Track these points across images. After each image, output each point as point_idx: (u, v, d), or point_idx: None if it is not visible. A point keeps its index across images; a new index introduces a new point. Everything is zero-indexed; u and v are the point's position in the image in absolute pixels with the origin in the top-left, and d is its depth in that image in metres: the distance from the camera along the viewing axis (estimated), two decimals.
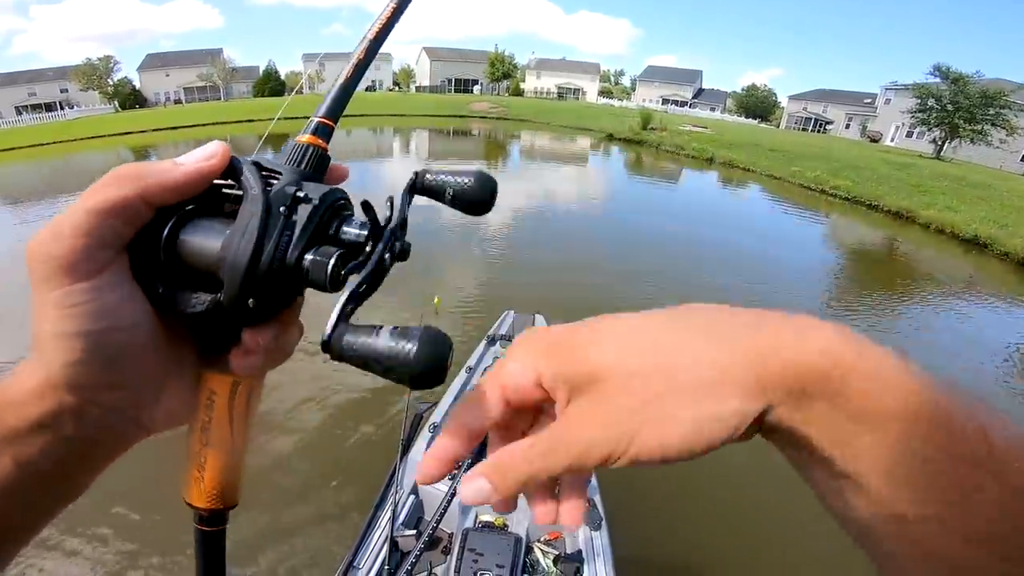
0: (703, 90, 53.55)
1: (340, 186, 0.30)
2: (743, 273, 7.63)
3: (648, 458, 0.23)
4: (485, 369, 2.85)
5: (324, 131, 0.30)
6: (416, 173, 0.32)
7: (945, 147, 25.15)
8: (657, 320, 0.25)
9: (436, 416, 2.45)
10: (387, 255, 0.28)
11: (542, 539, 1.93)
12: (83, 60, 40.60)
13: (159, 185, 0.25)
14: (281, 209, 0.26)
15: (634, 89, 57.15)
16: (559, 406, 0.25)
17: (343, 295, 0.26)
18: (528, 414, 0.29)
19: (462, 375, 2.79)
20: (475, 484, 0.26)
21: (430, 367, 0.24)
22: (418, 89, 52.17)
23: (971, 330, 6.69)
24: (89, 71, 39.67)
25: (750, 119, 48.39)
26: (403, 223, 0.30)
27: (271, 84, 42.28)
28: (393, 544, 1.70)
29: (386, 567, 1.63)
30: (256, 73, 45.64)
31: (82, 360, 0.24)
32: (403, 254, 0.30)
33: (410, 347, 0.23)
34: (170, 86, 44.84)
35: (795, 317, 0.23)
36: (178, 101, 43.60)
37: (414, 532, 1.81)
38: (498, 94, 47.69)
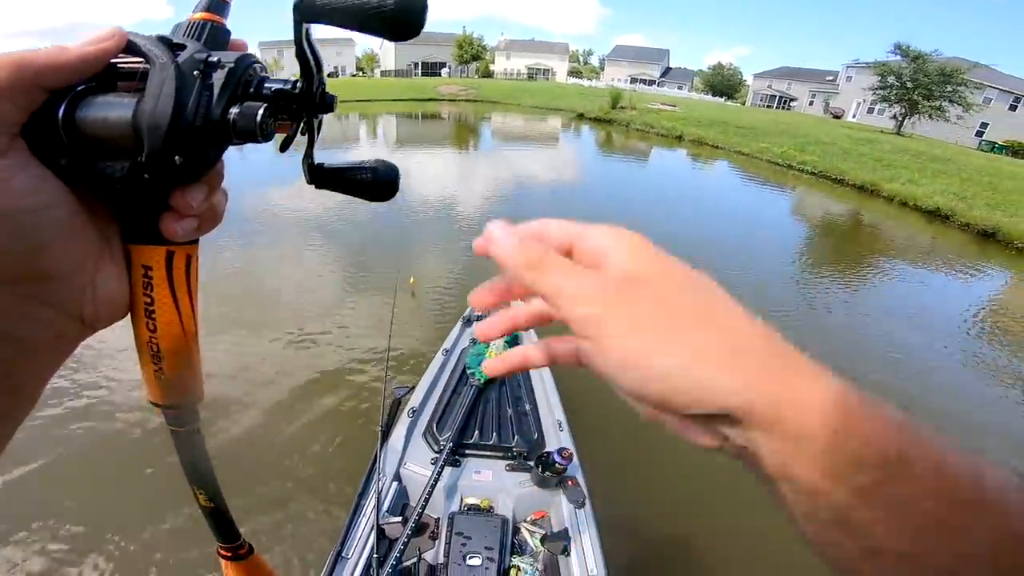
0: (670, 69, 53.84)
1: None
2: (715, 248, 7.71)
3: (617, 365, 0.24)
4: (462, 351, 2.79)
5: (220, 7, 0.29)
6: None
7: (905, 123, 25.98)
8: (709, 287, 0.26)
9: (414, 400, 2.39)
10: (318, 92, 0.28)
11: (528, 519, 1.92)
12: None
13: (48, 66, 0.23)
14: (195, 73, 0.25)
15: (603, 69, 57.09)
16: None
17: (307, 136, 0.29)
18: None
19: (439, 358, 2.75)
20: (497, 228, 0.29)
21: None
22: (383, 74, 50.73)
23: (931, 296, 6.98)
24: None
25: (717, 97, 49.03)
26: (319, 66, 0.28)
27: None
28: (380, 532, 1.67)
29: (375, 555, 1.60)
30: None
31: (0, 250, 0.23)
32: (331, 104, 0.29)
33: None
34: None
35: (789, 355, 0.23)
36: None
37: (400, 519, 1.78)
38: (467, 76, 46.96)
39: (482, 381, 2.41)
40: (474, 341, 2.80)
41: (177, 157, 0.25)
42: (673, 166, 15.87)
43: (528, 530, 1.88)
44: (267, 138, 0.26)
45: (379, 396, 2.79)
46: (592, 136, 20.08)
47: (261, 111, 0.25)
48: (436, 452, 2.08)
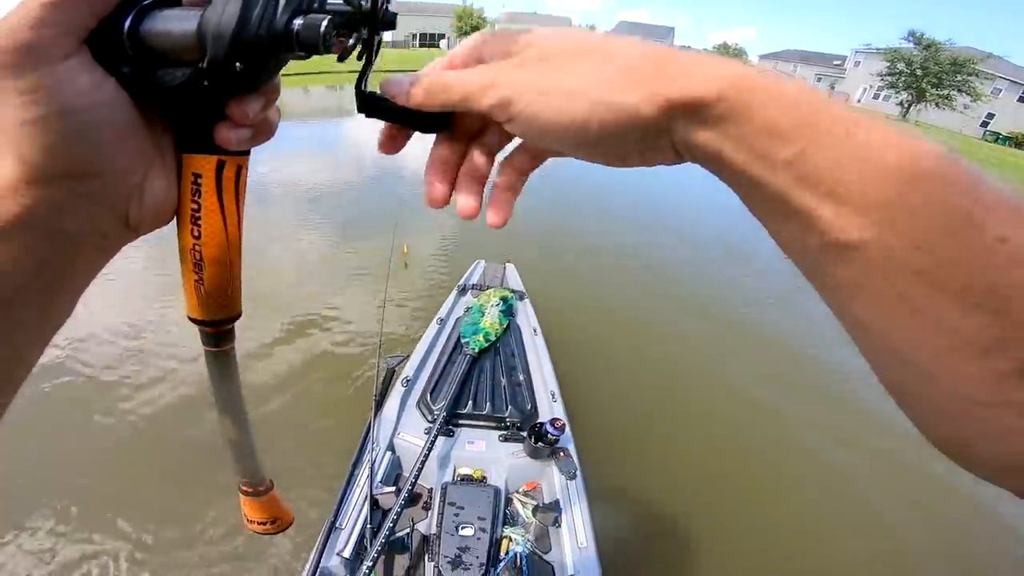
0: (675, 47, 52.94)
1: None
2: (713, 221, 7.64)
3: (533, 121, 0.25)
4: (457, 320, 2.74)
5: None
6: None
7: (910, 110, 25.70)
8: (590, 33, 0.26)
9: (408, 370, 2.34)
10: (382, 9, 0.29)
11: (520, 490, 1.92)
12: None
13: None
14: None
15: None
16: None
17: (364, 62, 0.31)
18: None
19: (434, 326, 2.70)
20: (398, 80, 0.29)
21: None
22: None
23: None
24: None
25: None
26: None
27: None
28: (373, 503, 1.67)
29: (368, 526, 1.60)
30: None
31: (57, 144, 0.23)
32: (391, 22, 0.30)
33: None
34: None
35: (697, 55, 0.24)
36: None
37: (393, 489, 1.78)
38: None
39: (476, 350, 2.37)
40: (468, 310, 2.74)
41: (238, 64, 0.25)
42: None
43: (520, 501, 1.87)
44: (328, 50, 0.26)
45: (372, 365, 2.73)
46: None
47: (325, 23, 0.25)
48: (430, 422, 2.05)
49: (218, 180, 0.30)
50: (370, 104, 0.30)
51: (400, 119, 0.31)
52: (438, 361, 2.38)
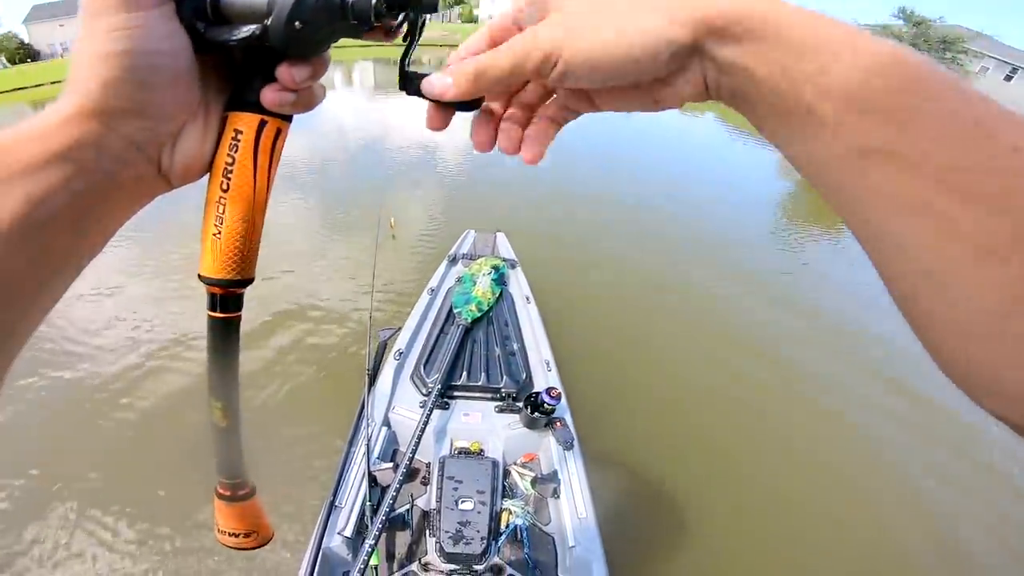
0: None
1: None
2: (698, 197, 7.60)
3: (580, 61, 0.26)
4: (448, 290, 2.66)
5: None
6: None
7: None
8: None
9: (400, 342, 2.27)
10: None
11: (518, 462, 1.89)
12: None
13: None
14: None
15: None
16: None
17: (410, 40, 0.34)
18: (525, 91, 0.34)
19: (424, 297, 2.62)
20: (439, 78, 0.31)
21: None
22: None
23: None
24: None
25: None
26: None
27: None
28: (372, 479, 1.64)
29: (368, 503, 1.58)
30: None
31: (120, 77, 0.26)
32: (434, 4, 0.32)
33: None
34: (66, 37, 39.23)
35: None
36: None
37: (391, 464, 1.75)
38: (449, 22, 44.73)
39: (469, 320, 2.30)
40: (460, 279, 2.66)
41: (298, 23, 0.28)
42: (658, 115, 15.49)
43: (519, 472, 1.84)
44: (379, 19, 0.30)
45: (363, 339, 2.66)
46: None
47: None
48: (424, 395, 2.00)
49: (257, 138, 0.32)
50: (411, 83, 0.32)
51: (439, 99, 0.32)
52: (430, 333, 2.31)
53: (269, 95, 0.31)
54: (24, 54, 37.65)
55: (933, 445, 3.10)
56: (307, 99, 0.33)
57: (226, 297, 0.34)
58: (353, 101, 13.09)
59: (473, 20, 48.00)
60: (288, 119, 0.33)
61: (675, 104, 0.28)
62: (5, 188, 0.24)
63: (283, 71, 0.30)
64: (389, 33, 0.32)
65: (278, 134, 0.33)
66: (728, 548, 2.39)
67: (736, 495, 2.66)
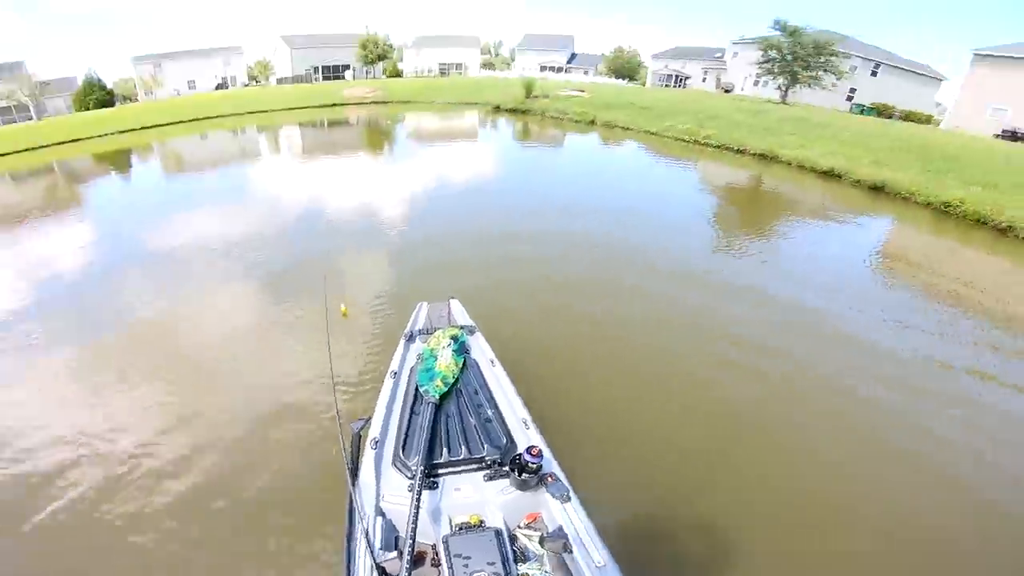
0: (575, 55, 55.20)
1: None
2: (633, 224, 8.07)
3: None
4: (411, 369, 2.64)
5: None
6: None
7: (788, 93, 28.45)
8: None
9: (374, 431, 2.24)
10: None
11: (521, 525, 1.88)
12: None
13: None
14: None
15: (514, 59, 57.37)
16: None
17: None
18: None
19: (388, 382, 2.58)
20: None
21: None
22: (279, 81, 47.25)
23: (835, 243, 8.01)
24: None
25: (620, 79, 50.88)
26: None
27: (95, 95, 35.05)
28: (381, 571, 1.59)
29: None
30: (74, 84, 38.07)
31: None
32: None
33: None
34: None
35: None
36: None
37: (395, 553, 1.71)
38: (374, 77, 45.27)
39: (437, 397, 2.32)
40: (420, 357, 2.67)
41: None
42: (589, 150, 16.26)
43: (525, 535, 1.84)
44: None
45: (333, 430, 2.61)
46: (510, 128, 20.10)
47: None
48: (410, 478, 1.98)
49: None
50: None
51: None
52: (401, 416, 2.29)
53: None
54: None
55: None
56: None
57: None
58: (284, 170, 12.80)
59: (398, 74, 48.78)
60: None
61: None
62: None
63: None
64: None
65: None
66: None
67: (762, 509, 2.83)
